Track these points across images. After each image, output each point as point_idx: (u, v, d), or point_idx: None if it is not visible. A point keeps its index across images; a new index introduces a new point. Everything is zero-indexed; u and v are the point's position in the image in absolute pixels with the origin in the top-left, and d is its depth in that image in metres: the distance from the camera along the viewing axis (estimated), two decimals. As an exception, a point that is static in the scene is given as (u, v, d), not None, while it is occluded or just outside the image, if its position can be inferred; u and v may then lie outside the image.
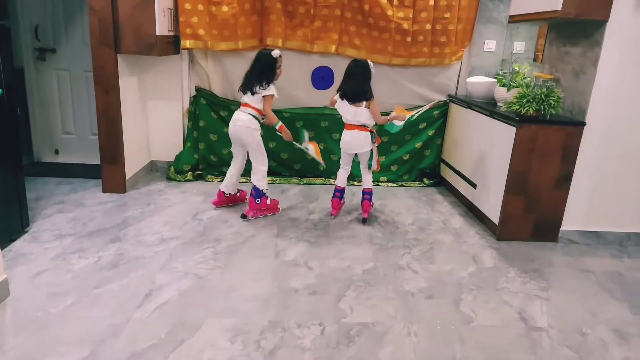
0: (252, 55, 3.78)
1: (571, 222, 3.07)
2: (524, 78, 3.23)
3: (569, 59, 3.05)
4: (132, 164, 3.65)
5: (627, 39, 2.71)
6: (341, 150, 3.20)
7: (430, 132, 4.08)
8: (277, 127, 3.06)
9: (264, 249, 2.75)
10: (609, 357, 1.96)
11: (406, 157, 4.11)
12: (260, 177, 3.09)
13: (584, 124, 2.84)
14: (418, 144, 4.09)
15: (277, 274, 2.47)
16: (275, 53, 2.94)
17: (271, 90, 2.98)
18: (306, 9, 3.68)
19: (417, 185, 4.11)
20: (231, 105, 3.88)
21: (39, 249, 2.57)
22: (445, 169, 4.03)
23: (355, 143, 3.06)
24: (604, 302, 2.39)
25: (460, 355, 1.91)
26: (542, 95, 2.82)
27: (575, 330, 2.13)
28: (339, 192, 3.29)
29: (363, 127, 3.04)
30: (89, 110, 4.03)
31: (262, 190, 3.12)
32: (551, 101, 2.81)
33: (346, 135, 3.08)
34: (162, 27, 3.35)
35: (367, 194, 3.21)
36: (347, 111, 3.02)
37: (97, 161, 3.53)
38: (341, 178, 3.27)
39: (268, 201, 3.22)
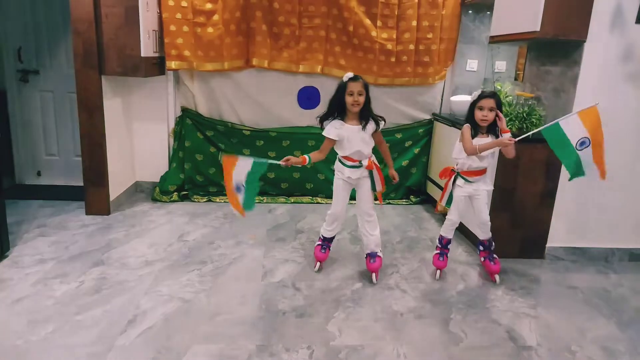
0: (238, 75, 3.85)
1: (557, 238, 3.10)
2: (506, 97, 3.29)
3: (549, 78, 3.11)
4: (117, 186, 3.60)
5: (605, 58, 2.79)
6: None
7: (416, 150, 4.11)
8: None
9: (250, 270, 2.72)
10: (598, 375, 1.96)
11: (393, 175, 4.12)
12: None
13: (565, 141, 2.89)
14: (404, 162, 4.12)
15: (264, 296, 2.43)
16: (345, 76, 2.44)
17: (326, 129, 2.48)
18: (291, 30, 3.72)
19: (404, 203, 4.12)
20: (217, 125, 3.88)
21: (19, 274, 2.51)
22: (432, 186, 4.06)
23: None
24: (591, 319, 2.40)
25: (451, 376, 1.89)
26: (524, 114, 2.88)
27: (564, 349, 2.12)
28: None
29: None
30: (72, 132, 3.99)
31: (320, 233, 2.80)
32: (533, 119, 2.86)
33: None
34: (147, 48, 3.35)
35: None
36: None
37: (81, 183, 3.48)
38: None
39: (315, 245, 2.82)
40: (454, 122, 3.64)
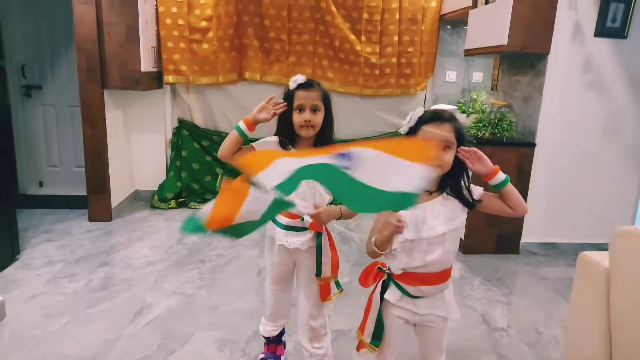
0: (232, 88, 4.08)
1: (530, 235, 3.35)
2: (482, 105, 3.55)
3: (519, 87, 3.39)
4: (117, 194, 3.80)
5: (567, 69, 3.07)
6: None
7: (401, 157, 4.36)
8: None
9: (246, 268, 2.92)
10: (560, 351, 2.18)
11: (379, 181, 4.36)
12: None
13: (534, 145, 3.15)
14: (390, 168, 4.35)
15: (260, 290, 2.63)
16: (293, 81, 1.61)
17: (260, 140, 1.66)
18: (281, 45, 3.98)
19: (390, 207, 4.35)
20: (212, 135, 4.10)
21: (30, 274, 2.69)
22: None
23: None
24: (558, 304, 2.63)
25: (429, 354, 2.11)
26: (496, 120, 3.14)
27: (532, 329, 2.36)
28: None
29: None
30: (73, 144, 4.19)
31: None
32: (504, 125, 3.12)
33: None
34: (147, 63, 3.58)
35: None
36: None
37: (81, 192, 3.67)
38: None
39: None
40: (434, 129, 3.90)
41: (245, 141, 1.65)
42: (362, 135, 4.27)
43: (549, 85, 3.08)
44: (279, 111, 1.60)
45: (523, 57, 3.31)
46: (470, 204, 1.34)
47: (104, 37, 3.39)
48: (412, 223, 1.29)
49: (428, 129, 1.28)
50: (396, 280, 1.37)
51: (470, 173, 1.35)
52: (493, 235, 3.29)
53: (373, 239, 1.30)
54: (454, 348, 2.15)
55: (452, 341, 2.20)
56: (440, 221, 1.31)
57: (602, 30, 3.01)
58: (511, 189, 1.33)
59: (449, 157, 1.28)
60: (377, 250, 1.29)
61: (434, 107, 4.12)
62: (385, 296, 1.39)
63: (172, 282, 2.68)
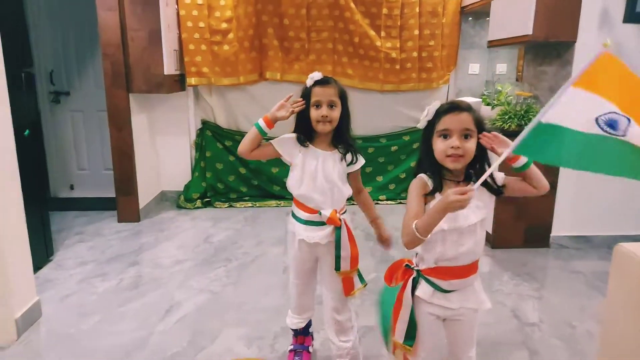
0: (253, 88, 4.11)
1: (560, 228, 3.26)
2: (507, 97, 3.49)
3: (544, 77, 3.31)
4: (145, 195, 3.87)
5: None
6: None
7: (424, 152, 4.32)
8: None
9: (272, 265, 2.94)
10: (594, 345, 2.12)
11: (403, 176, 4.34)
12: None
13: (562, 135, 3.07)
14: (413, 163, 4.31)
15: (286, 287, 2.64)
16: (310, 78, 1.64)
17: (281, 137, 1.71)
18: (301, 44, 3.98)
19: (414, 203, 4.31)
20: (235, 136, 4.14)
21: (64, 274, 2.77)
22: (440, 185, 4.24)
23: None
24: (592, 298, 2.56)
25: (458, 349, 2.08)
26: (522, 112, 3.07)
27: (565, 324, 2.30)
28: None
29: None
30: (101, 147, 4.28)
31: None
32: (531, 116, 3.05)
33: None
34: (169, 67, 3.64)
35: None
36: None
37: (111, 194, 3.76)
38: None
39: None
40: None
41: (264, 138, 1.71)
42: (383, 131, 4.25)
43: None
44: (297, 109, 1.64)
45: (549, 47, 3.23)
46: (496, 190, 1.34)
47: (128, 42, 3.46)
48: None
49: (447, 119, 1.28)
50: (425, 276, 1.38)
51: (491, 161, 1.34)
52: (521, 229, 3.22)
53: (414, 225, 1.24)
54: (484, 343, 2.12)
55: (482, 336, 2.17)
56: (472, 210, 1.30)
57: (631, 16, 2.91)
58: (534, 169, 1.33)
59: (471, 145, 1.28)
60: (419, 235, 1.22)
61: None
62: (417, 293, 1.39)
63: (200, 280, 2.72)
